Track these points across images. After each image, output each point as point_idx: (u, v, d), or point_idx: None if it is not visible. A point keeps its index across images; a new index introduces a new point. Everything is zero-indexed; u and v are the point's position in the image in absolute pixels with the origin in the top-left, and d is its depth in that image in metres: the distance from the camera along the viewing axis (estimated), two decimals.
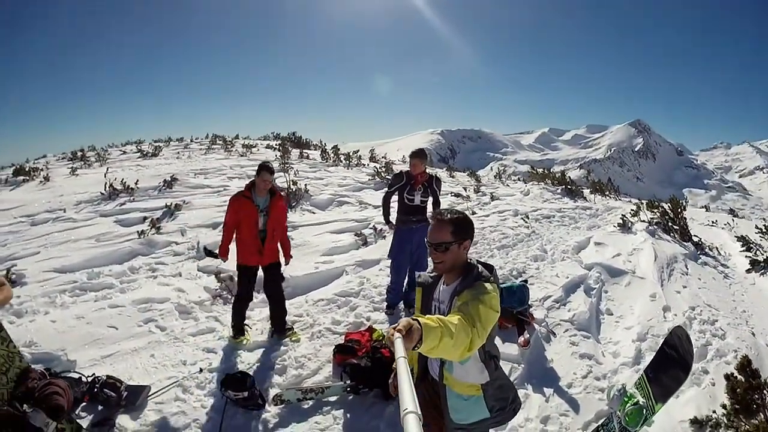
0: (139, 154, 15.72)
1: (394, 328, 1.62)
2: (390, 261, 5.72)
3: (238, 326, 4.99)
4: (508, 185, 15.12)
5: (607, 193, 14.66)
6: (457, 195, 12.06)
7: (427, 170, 5.56)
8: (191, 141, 19.22)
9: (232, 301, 5.17)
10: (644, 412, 3.23)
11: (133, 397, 3.84)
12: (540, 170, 16.14)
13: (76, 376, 3.96)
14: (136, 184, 10.74)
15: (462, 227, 2.28)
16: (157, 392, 4.02)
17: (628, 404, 3.35)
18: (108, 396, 3.73)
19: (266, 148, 17.14)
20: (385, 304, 5.71)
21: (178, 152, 16.54)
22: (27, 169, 13.04)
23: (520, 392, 4.18)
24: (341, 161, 15.28)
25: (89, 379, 3.90)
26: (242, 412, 3.90)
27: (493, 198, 12.31)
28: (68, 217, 9.08)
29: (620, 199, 14.32)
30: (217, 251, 4.94)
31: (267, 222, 4.79)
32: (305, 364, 4.65)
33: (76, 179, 12.64)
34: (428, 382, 2.60)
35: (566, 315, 5.57)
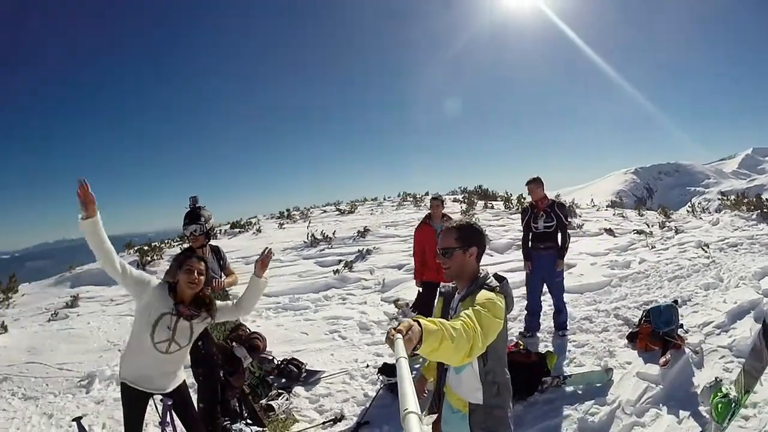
0: (337, 212, 18.09)
1: (395, 329, 1.61)
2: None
3: None
4: (700, 217, 13.70)
5: None
6: (640, 232, 11.37)
7: (548, 196, 5.84)
8: (384, 199, 21.22)
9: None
10: (732, 405, 3.05)
11: (310, 377, 5.05)
12: (732, 198, 14.37)
13: (270, 357, 5.21)
14: (333, 234, 12.58)
15: (467, 234, 2.32)
16: (329, 376, 5.12)
17: (717, 398, 3.19)
18: (291, 371, 4.89)
19: (453, 201, 17.99)
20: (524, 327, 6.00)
21: (372, 209, 18.60)
22: (242, 223, 16.57)
23: (651, 411, 4.09)
24: None
25: (279, 361, 4.96)
26: (392, 396, 4.61)
27: (677, 231, 11.34)
28: (276, 259, 11.19)
29: None
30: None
31: None
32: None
33: (283, 231, 15.45)
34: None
35: (725, 341, 5.15)
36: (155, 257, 12.42)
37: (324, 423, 4.36)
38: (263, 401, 4.34)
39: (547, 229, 5.62)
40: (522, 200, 16.09)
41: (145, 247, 13.20)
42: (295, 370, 4.94)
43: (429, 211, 5.93)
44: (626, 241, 10.70)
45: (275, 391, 4.52)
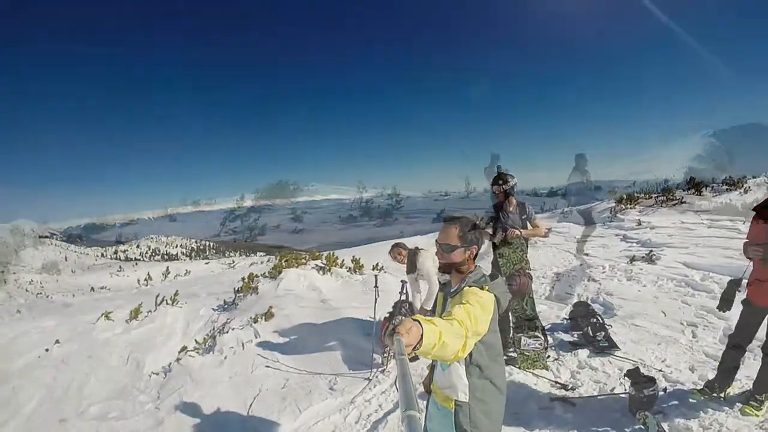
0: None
1: (395, 328, 1.62)
2: None
3: (719, 382, 4.26)
4: None
5: None
6: None
7: None
8: None
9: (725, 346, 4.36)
10: None
11: (607, 346, 5.41)
12: None
13: (596, 315, 5.96)
14: None
15: (471, 234, 2.36)
16: (619, 357, 5.30)
17: None
18: (590, 331, 5.57)
19: None
20: None
21: None
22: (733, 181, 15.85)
23: None
24: None
25: (601, 319, 5.83)
26: (624, 400, 4.37)
27: None
28: (735, 228, 10.41)
29: None
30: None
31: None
32: (710, 427, 3.92)
33: None
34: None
35: None
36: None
37: (555, 383, 4.80)
38: (521, 335, 5.18)
39: None
40: None
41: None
42: (591, 333, 5.42)
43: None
44: None
45: (532, 333, 5.22)
